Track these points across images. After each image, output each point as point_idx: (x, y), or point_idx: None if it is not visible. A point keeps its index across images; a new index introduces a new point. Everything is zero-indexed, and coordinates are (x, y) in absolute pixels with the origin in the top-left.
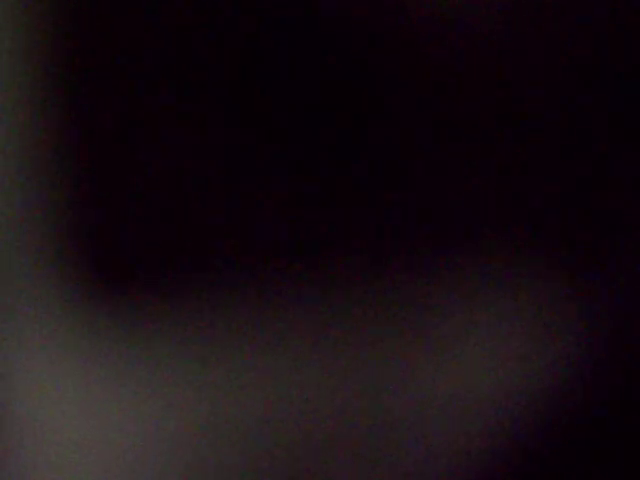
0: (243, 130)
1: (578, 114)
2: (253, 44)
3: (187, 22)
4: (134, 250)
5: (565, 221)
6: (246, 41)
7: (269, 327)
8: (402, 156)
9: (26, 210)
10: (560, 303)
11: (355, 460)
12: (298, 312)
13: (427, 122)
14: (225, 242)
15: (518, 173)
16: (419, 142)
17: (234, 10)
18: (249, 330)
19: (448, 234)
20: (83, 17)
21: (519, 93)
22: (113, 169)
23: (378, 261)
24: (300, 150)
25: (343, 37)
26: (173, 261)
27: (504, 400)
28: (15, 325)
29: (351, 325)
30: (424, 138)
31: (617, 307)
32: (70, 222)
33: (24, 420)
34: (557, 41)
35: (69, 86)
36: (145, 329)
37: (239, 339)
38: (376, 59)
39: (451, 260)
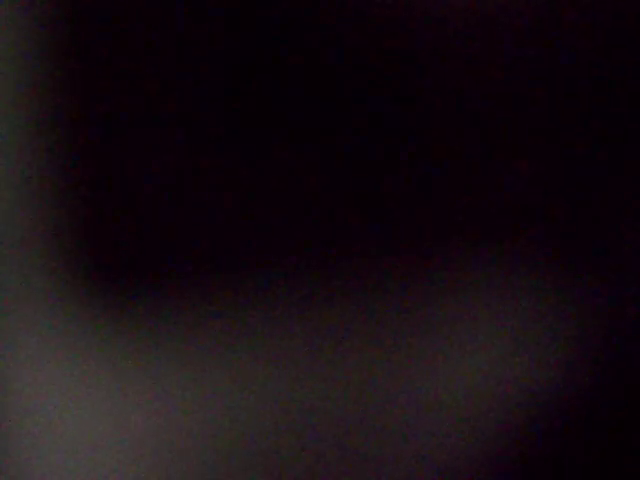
0: (243, 131)
1: (578, 114)
2: (256, 45)
3: (189, 22)
4: (134, 250)
5: (565, 221)
6: (250, 42)
7: (269, 327)
8: (402, 157)
9: (25, 210)
10: (560, 303)
11: (355, 462)
12: (298, 314)
13: (427, 125)
14: (225, 243)
15: (518, 173)
16: (420, 144)
17: (241, 8)
18: (249, 330)
19: (448, 235)
20: (82, 18)
21: (519, 93)
22: (113, 168)
23: (378, 262)
24: (302, 151)
25: (350, 36)
26: (173, 261)
27: (503, 400)
28: (14, 324)
29: (351, 326)
30: (425, 140)
31: (617, 306)
32: (70, 222)
33: (22, 419)
34: (558, 41)
35: (66, 86)
36: (144, 328)
37: (239, 339)
38: (379, 62)
39: (450, 261)
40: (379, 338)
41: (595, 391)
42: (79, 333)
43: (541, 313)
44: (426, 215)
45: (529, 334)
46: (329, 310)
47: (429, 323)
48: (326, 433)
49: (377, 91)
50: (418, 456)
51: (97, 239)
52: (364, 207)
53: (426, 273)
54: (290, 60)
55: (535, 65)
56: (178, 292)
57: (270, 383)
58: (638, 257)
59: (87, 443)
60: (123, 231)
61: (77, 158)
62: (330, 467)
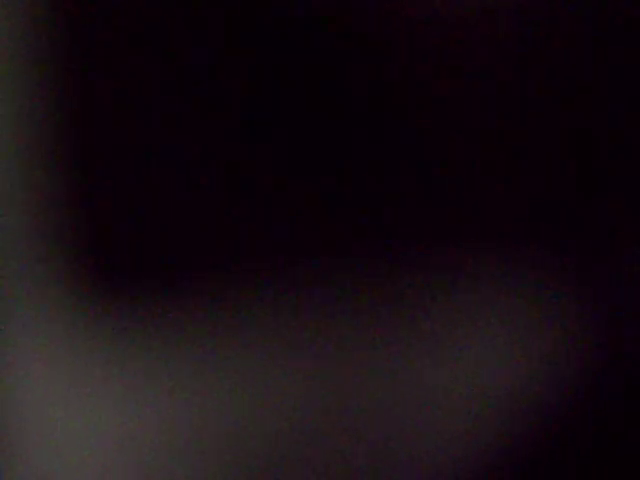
0: (243, 130)
1: (578, 114)
2: (255, 46)
3: (190, 23)
4: (134, 250)
5: (565, 221)
6: (248, 43)
7: (269, 327)
8: (402, 157)
9: (26, 210)
10: (561, 304)
11: (354, 459)
12: (298, 313)
13: (427, 125)
14: (224, 243)
15: (518, 173)
16: (420, 143)
17: (243, 11)
18: (248, 329)
19: (448, 234)
20: (83, 19)
21: (520, 94)
22: (114, 167)
23: (378, 261)
24: (302, 151)
25: (344, 39)
26: (174, 262)
27: (504, 400)
28: (14, 325)
29: (351, 325)
30: (424, 139)
31: (617, 306)
32: (70, 222)
33: (23, 420)
34: (558, 42)
35: (66, 87)
36: (146, 329)
37: (238, 339)
38: (375, 63)
39: (451, 261)
40: (380, 338)
41: (595, 390)
42: (81, 334)
43: (542, 313)
44: (427, 216)
45: (529, 334)
46: (331, 310)
47: (431, 323)
48: (328, 433)
49: (378, 90)
50: (420, 454)
51: (99, 240)
52: (365, 208)
53: (427, 273)
54: (291, 63)
55: (535, 63)
56: (179, 293)
57: (271, 384)
58: (638, 257)
59: (89, 444)
60: (125, 232)
61: (78, 158)
62: (332, 466)
